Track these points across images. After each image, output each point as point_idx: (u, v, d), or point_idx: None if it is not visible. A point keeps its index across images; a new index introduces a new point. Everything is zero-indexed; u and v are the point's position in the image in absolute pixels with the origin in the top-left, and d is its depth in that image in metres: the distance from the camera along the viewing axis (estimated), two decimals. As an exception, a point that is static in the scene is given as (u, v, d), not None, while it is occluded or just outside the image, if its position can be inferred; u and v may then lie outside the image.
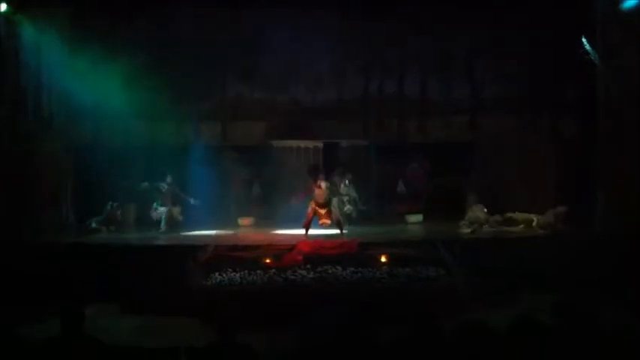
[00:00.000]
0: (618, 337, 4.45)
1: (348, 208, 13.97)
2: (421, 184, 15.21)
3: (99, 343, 4.94)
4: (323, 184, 12.41)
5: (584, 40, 12.90)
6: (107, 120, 14.43)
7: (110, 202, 13.71)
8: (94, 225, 13.46)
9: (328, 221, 12.50)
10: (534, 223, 12.72)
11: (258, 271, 10.29)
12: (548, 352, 4.32)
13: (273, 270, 10.35)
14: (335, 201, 12.96)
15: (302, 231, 12.45)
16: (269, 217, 14.79)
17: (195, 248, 11.38)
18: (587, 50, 12.92)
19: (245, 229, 14.37)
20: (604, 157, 12.71)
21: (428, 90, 15.63)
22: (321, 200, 12.35)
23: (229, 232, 13.73)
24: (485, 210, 13.01)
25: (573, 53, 13.16)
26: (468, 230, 12.72)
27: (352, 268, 10.36)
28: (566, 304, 4.64)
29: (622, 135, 12.54)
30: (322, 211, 12.38)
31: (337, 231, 12.57)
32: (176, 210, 13.67)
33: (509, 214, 13.00)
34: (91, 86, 13.67)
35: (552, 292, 8.24)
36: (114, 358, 5.05)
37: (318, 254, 10.96)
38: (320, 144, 15.14)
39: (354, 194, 14.20)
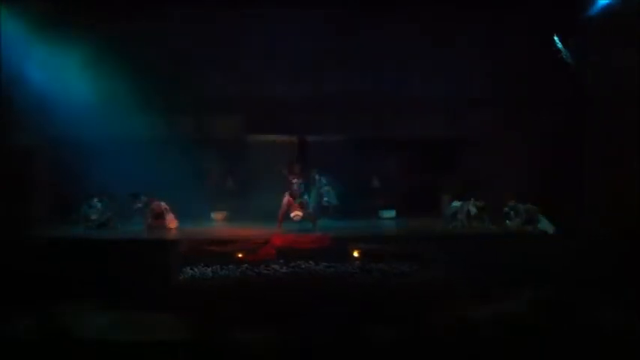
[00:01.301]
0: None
1: (325, 200, 14.05)
2: (395, 180, 15.29)
3: (75, 339, 4.92)
4: (297, 178, 12.71)
5: (556, 38, 13.04)
6: (81, 114, 14.25)
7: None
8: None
9: (300, 213, 12.67)
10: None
11: (231, 266, 10.31)
12: (531, 349, 4.38)
13: (246, 264, 10.36)
14: (312, 194, 13.19)
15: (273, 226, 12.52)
16: (243, 211, 14.76)
17: (169, 242, 11.34)
18: (559, 48, 13.06)
19: (218, 224, 14.33)
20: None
21: (405, 85, 15.60)
22: (295, 191, 12.64)
23: (203, 226, 13.67)
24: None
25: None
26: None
27: (325, 263, 10.42)
28: (546, 301, 4.70)
29: (610, 134, 12.67)
30: (295, 202, 12.54)
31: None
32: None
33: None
34: (66, 80, 13.54)
35: (533, 290, 8.35)
36: (99, 354, 5.03)
37: (291, 248, 11.01)
38: (295, 139, 15.13)
39: (327, 187, 14.24)
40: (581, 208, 12.90)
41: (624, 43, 12.36)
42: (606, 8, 12.52)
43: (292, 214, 12.68)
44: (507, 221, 12.86)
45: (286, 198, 12.72)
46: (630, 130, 12.43)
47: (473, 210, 12.93)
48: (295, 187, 12.72)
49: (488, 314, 4.58)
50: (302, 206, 12.60)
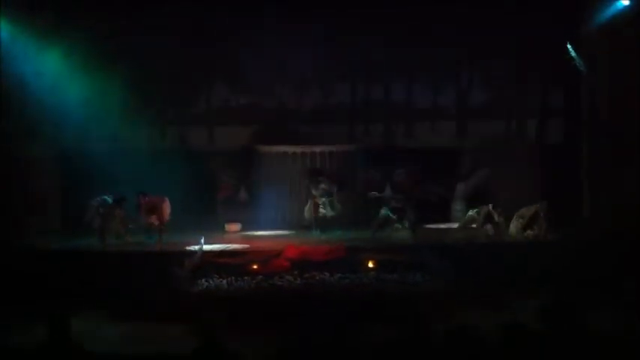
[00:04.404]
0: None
1: (321, 211, 13.70)
2: (408, 189, 15.22)
3: (86, 351, 4.90)
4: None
5: (569, 46, 13.01)
6: (93, 125, 14.33)
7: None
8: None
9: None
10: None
11: (246, 278, 10.29)
12: (537, 357, 4.32)
13: (261, 276, 10.33)
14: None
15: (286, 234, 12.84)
16: (256, 222, 14.74)
17: (182, 254, 11.33)
18: (572, 56, 13.03)
19: (232, 235, 14.30)
20: (591, 160, 12.80)
21: (414, 95, 15.65)
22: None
23: (216, 237, 13.65)
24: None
25: (559, 59, 13.27)
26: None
27: (340, 274, 10.37)
28: (553, 308, 4.64)
29: (608, 140, 12.64)
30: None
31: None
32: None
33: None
34: (78, 91, 13.60)
35: (540, 296, 8.28)
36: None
37: (305, 260, 10.96)
38: (306, 149, 15.12)
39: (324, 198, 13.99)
40: (581, 211, 12.84)
41: (627, 52, 12.33)
42: (610, 16, 12.53)
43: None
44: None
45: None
46: (630, 134, 12.38)
47: (480, 220, 12.64)
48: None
49: (495, 321, 4.52)
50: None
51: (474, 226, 12.75)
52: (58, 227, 13.95)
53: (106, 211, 12.58)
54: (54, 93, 13.40)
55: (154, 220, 12.80)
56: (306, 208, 13.70)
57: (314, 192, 13.57)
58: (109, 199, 12.68)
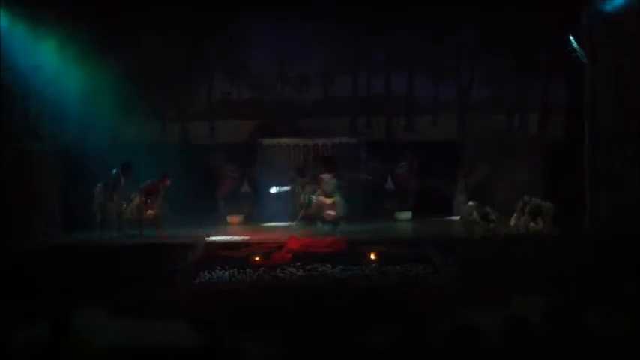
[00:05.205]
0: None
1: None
2: (410, 182, 15.25)
3: (88, 346, 4.92)
4: (328, 176, 12.91)
5: (571, 38, 12.97)
6: (94, 121, 14.33)
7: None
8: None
9: (333, 213, 12.76)
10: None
11: (248, 270, 10.31)
12: (539, 355, 4.33)
13: (263, 268, 10.36)
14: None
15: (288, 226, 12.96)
16: (258, 214, 14.79)
17: (185, 247, 11.35)
18: (574, 49, 12.98)
19: (234, 227, 14.34)
20: (592, 158, 12.77)
21: (416, 88, 15.69)
22: (328, 189, 12.81)
23: (219, 230, 13.69)
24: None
25: (561, 54, 13.24)
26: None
27: (342, 266, 10.40)
28: (556, 306, 4.65)
29: (610, 136, 12.59)
30: (328, 202, 12.79)
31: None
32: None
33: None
34: (78, 86, 13.58)
35: (543, 294, 8.28)
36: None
37: (307, 252, 11.00)
38: (309, 142, 15.14)
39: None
40: (583, 209, 12.81)
41: (630, 45, 12.26)
42: (612, 8, 12.46)
43: (324, 214, 12.78)
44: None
45: (320, 198, 12.89)
46: (633, 130, 12.33)
47: (474, 214, 12.57)
48: (328, 186, 12.77)
49: (495, 318, 4.54)
50: (333, 205, 12.73)
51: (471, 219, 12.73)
52: (58, 223, 13.93)
53: (106, 199, 12.60)
54: (53, 87, 13.37)
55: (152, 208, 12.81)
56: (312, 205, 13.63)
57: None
58: (114, 171, 12.66)
